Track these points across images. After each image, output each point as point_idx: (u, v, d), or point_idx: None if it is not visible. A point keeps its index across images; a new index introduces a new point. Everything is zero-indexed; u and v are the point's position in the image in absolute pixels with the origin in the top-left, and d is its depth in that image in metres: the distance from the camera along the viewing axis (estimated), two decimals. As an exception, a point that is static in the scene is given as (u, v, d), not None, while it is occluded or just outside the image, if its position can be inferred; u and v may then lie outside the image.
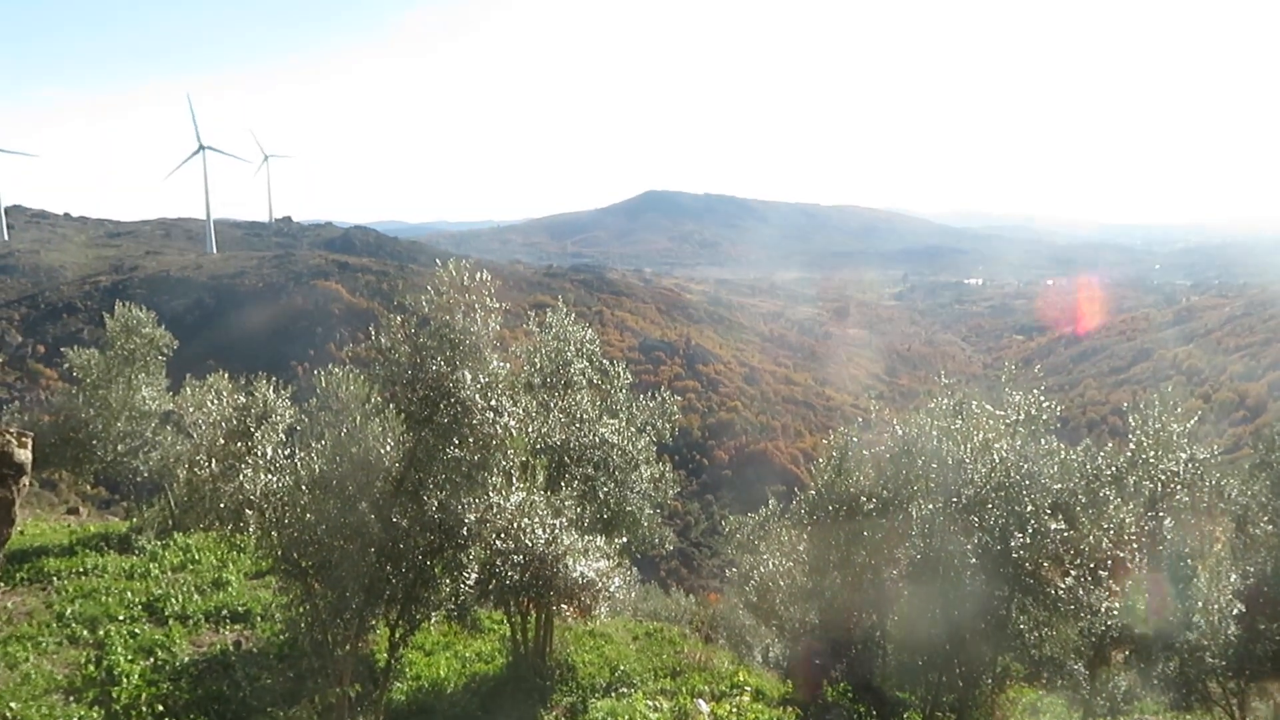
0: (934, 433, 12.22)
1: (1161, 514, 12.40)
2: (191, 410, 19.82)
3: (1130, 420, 13.35)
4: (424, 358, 10.24)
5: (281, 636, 13.20)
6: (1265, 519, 15.78)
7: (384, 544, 9.78)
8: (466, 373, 10.25)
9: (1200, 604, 12.39)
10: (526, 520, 11.88)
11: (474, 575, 10.84)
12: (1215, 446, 13.92)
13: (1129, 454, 13.00)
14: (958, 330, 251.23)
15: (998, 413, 12.43)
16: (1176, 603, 12.10)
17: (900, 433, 12.47)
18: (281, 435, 17.77)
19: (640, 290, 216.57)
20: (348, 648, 10.07)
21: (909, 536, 12.26)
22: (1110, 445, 13.58)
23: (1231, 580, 13.35)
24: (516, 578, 12.46)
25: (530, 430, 14.04)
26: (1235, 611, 12.82)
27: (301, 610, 10.14)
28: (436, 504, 10.12)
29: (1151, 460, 12.72)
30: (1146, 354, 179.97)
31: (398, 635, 10.44)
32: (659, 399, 18.22)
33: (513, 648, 16.32)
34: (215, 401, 19.41)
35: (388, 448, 9.84)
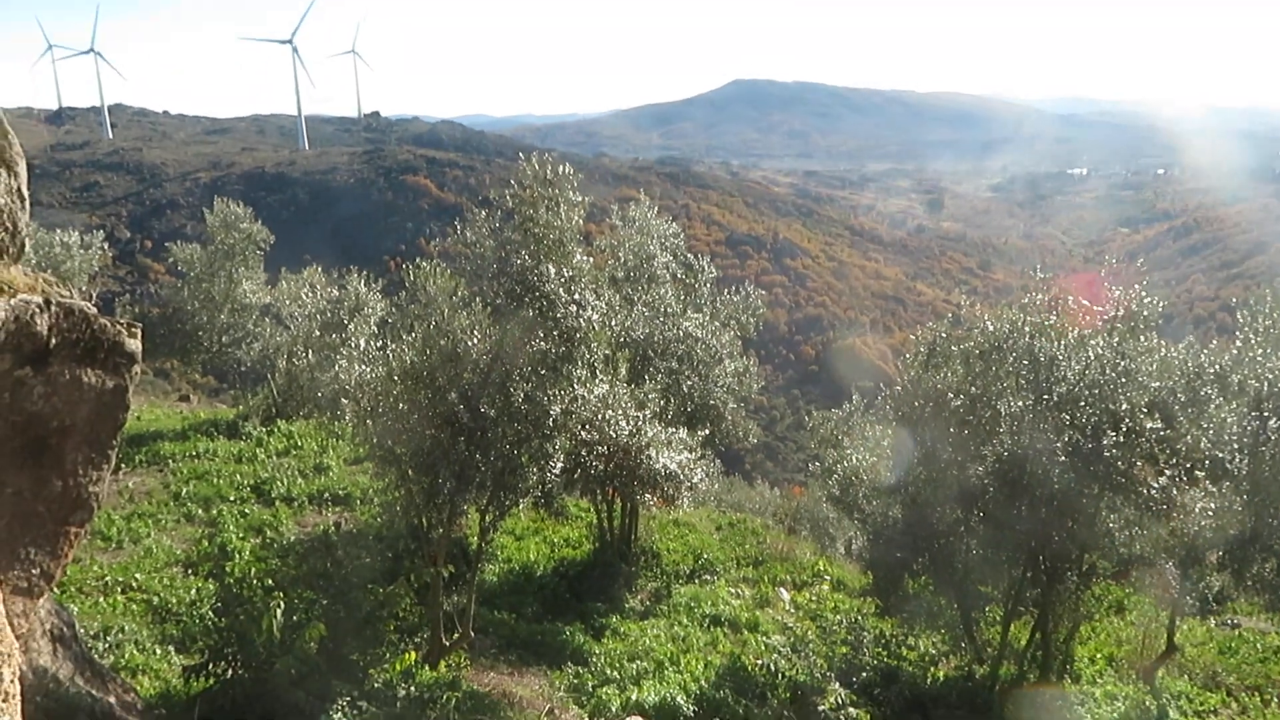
0: (1026, 329, 11.89)
1: (1266, 414, 11.93)
2: (288, 303, 20.51)
3: (1239, 317, 12.74)
4: (508, 252, 10.34)
5: (379, 519, 13.87)
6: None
7: (473, 433, 10.06)
8: (550, 266, 10.32)
9: (1302, 506, 11.99)
10: (610, 412, 12.06)
11: (560, 464, 11.11)
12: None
13: (1235, 351, 12.46)
14: (1058, 223, 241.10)
15: (1096, 308, 12.00)
16: (1275, 503, 11.73)
17: (991, 328, 12.15)
18: (374, 327, 18.31)
19: (726, 183, 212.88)
20: (441, 531, 10.50)
21: (996, 433, 12.06)
22: (1215, 343, 13.03)
23: (1338, 482, 12.85)
24: (601, 468, 12.74)
25: (614, 324, 14.12)
26: (1340, 515, 12.38)
27: (397, 495, 10.58)
28: (523, 395, 10.33)
29: (1259, 358, 12.17)
30: (1263, 247, 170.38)
31: (488, 520, 10.83)
32: (744, 293, 18.11)
33: (599, 534, 16.82)
34: (310, 295, 20.03)
35: (475, 340, 10.03)
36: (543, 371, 10.46)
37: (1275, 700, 13.26)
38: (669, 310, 16.18)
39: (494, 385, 10.18)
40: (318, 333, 19.81)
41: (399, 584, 9.88)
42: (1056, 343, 11.66)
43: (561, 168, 10.64)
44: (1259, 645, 15.31)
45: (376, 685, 9.06)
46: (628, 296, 15.85)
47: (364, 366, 10.20)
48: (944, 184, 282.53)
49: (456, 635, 10.89)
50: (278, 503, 15.70)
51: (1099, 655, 14.41)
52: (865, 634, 13.13)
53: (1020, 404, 11.80)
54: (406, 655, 9.95)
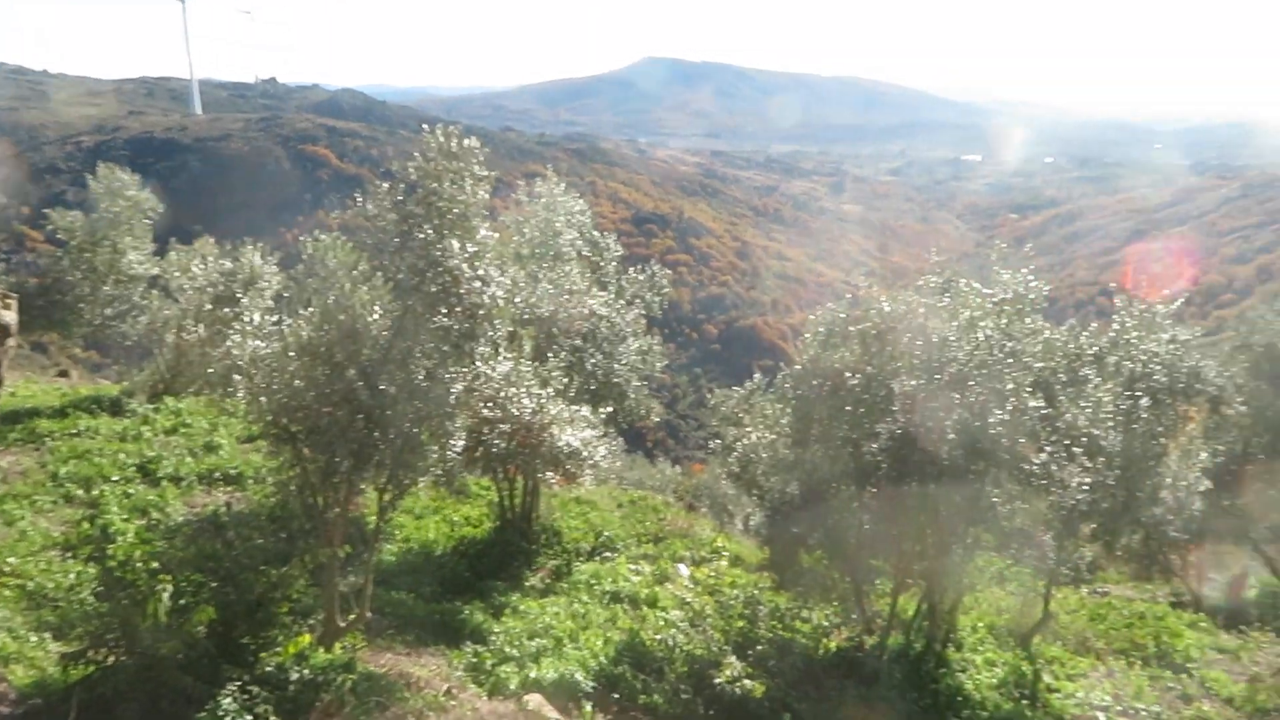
0: (920, 310, 12.26)
1: (1139, 393, 12.61)
2: (177, 275, 19.71)
3: (1116, 300, 13.42)
4: (411, 226, 10.13)
5: (273, 499, 13.49)
6: (1240, 400, 16.10)
7: (372, 411, 9.89)
8: (454, 241, 10.16)
9: (1169, 480, 12.74)
10: (513, 389, 12.02)
11: (461, 442, 11.01)
12: (1198, 329, 14.08)
13: (1112, 334, 13.13)
14: (953, 208, 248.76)
15: (985, 291, 12.45)
16: (1146, 479, 12.43)
17: (887, 309, 12.49)
18: (269, 301, 17.74)
19: (634, 161, 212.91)
20: (338, 510, 10.31)
21: (890, 412, 12.45)
22: (1095, 325, 13.70)
23: (1201, 458, 13.70)
24: (503, 445, 12.69)
25: (518, 301, 14.02)
26: (1202, 488, 13.20)
27: (292, 474, 10.33)
28: (424, 372, 10.18)
29: (1134, 341, 12.85)
30: (1140, 234, 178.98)
31: (387, 499, 10.67)
32: (650, 272, 18.20)
33: (500, 513, 16.76)
34: (202, 266, 19.28)
35: (375, 316, 9.84)
36: (445, 348, 10.33)
37: (1139, 663, 14.09)
38: (574, 288, 16.15)
39: (395, 362, 10.02)
40: (209, 306, 19.10)
41: (293, 565, 9.65)
42: (948, 324, 12.07)
43: (467, 141, 10.47)
44: (1125, 611, 16.23)
45: (268, 669, 8.87)
46: (533, 273, 15.75)
47: (258, 342, 9.90)
48: (846, 167, 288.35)
49: (353, 616, 10.73)
50: (164, 483, 15.14)
51: (980, 624, 15.06)
52: (761, 608, 13.44)
53: (913, 383, 12.19)
54: (300, 638, 9.76)
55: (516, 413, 12.24)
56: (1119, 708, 12.67)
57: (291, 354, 9.74)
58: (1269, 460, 18.34)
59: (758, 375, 15.58)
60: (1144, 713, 12.56)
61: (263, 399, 9.79)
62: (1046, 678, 13.30)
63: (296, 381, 9.72)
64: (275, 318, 10.29)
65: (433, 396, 10.24)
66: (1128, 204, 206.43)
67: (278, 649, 9.32)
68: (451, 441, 10.64)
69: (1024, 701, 12.55)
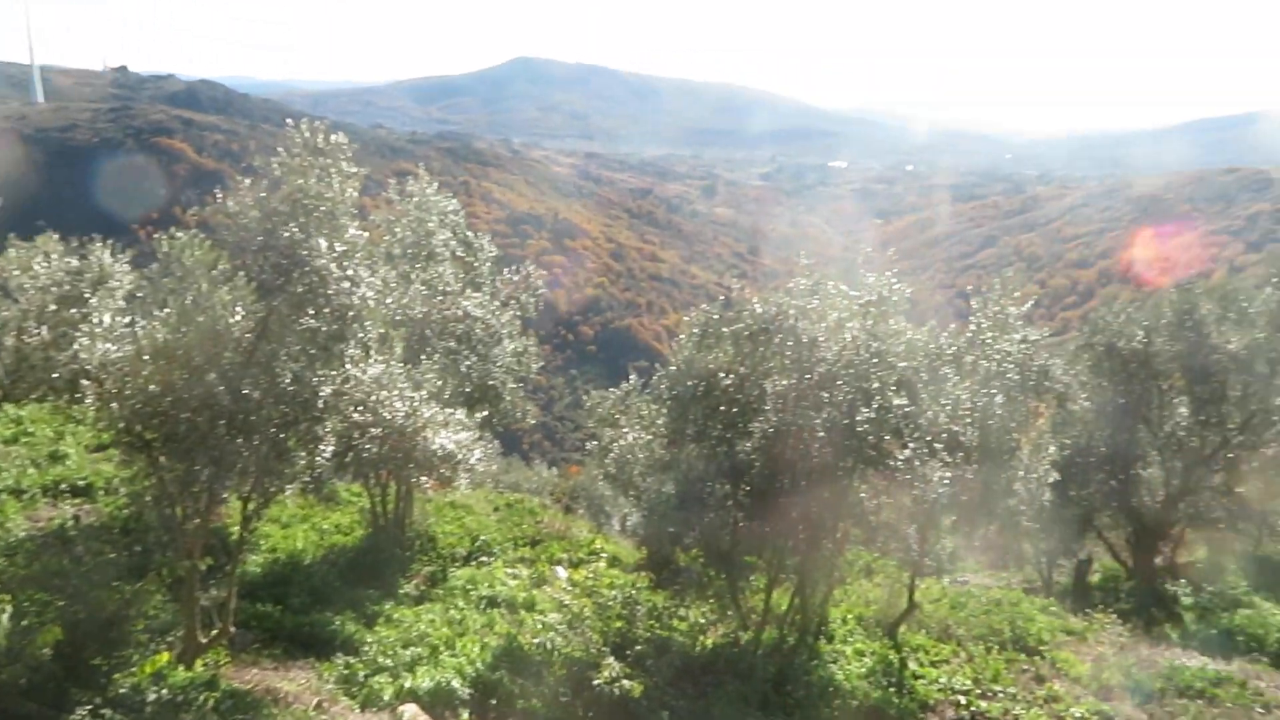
0: (791, 312, 12.56)
1: (994, 391, 13.24)
2: (17, 273, 18.43)
3: (973, 303, 14.07)
4: (275, 224, 9.75)
5: (126, 511, 12.80)
6: (1084, 396, 17.13)
7: (235, 416, 9.48)
8: (322, 240, 9.84)
9: (1021, 473, 13.44)
10: (385, 393, 11.71)
11: (331, 448, 10.68)
12: (1046, 329, 14.90)
13: (969, 335, 13.74)
14: (821, 213, 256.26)
15: (852, 293, 12.85)
16: (1000, 472, 13.07)
17: (759, 311, 12.75)
18: (120, 302, 16.74)
19: (508, 161, 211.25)
20: (197, 521, 9.84)
21: (763, 411, 12.71)
22: (953, 326, 14.33)
23: (1050, 452, 14.50)
24: (375, 450, 12.34)
25: (390, 301, 13.70)
26: (1051, 480, 13.98)
27: (147, 484, 9.80)
28: (290, 376, 9.83)
29: (989, 341, 13.49)
30: (992, 240, 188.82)
31: (251, 509, 10.25)
32: (525, 273, 18.07)
33: (372, 520, 16.33)
34: (45, 265, 18.08)
35: (237, 317, 9.43)
36: (313, 351, 9.99)
37: (996, 647, 14.80)
38: (448, 289, 15.90)
39: (259, 365, 9.63)
40: (53, 307, 17.92)
41: (149, 580, 9.17)
42: (818, 325, 12.41)
43: (335, 136, 10.15)
44: (984, 599, 17.03)
45: (122, 691, 8.38)
46: (405, 274, 15.43)
47: (109, 345, 9.35)
48: (718, 171, 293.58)
49: (215, 632, 10.26)
50: (4, 496, 14.13)
51: (850, 616, 15.54)
52: (639, 607, 13.51)
53: (785, 383, 12.49)
54: (158, 656, 9.26)
55: (389, 416, 11.93)
56: (978, 690, 13.27)
57: (146, 357, 9.24)
58: (1110, 453, 19.59)
59: (634, 376, 15.66)
60: (1001, 694, 13.20)
61: (114, 405, 9.26)
62: (912, 665, 13.82)
63: (151, 386, 9.23)
64: (128, 319, 9.73)
65: (300, 401, 9.89)
66: (982, 211, 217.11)
67: (133, 669, 8.82)
68: (320, 447, 10.31)
69: (891, 689, 13.01)
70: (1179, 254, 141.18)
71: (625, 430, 14.70)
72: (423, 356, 15.07)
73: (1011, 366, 13.38)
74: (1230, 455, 18.82)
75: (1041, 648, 14.90)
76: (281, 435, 9.94)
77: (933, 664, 14.10)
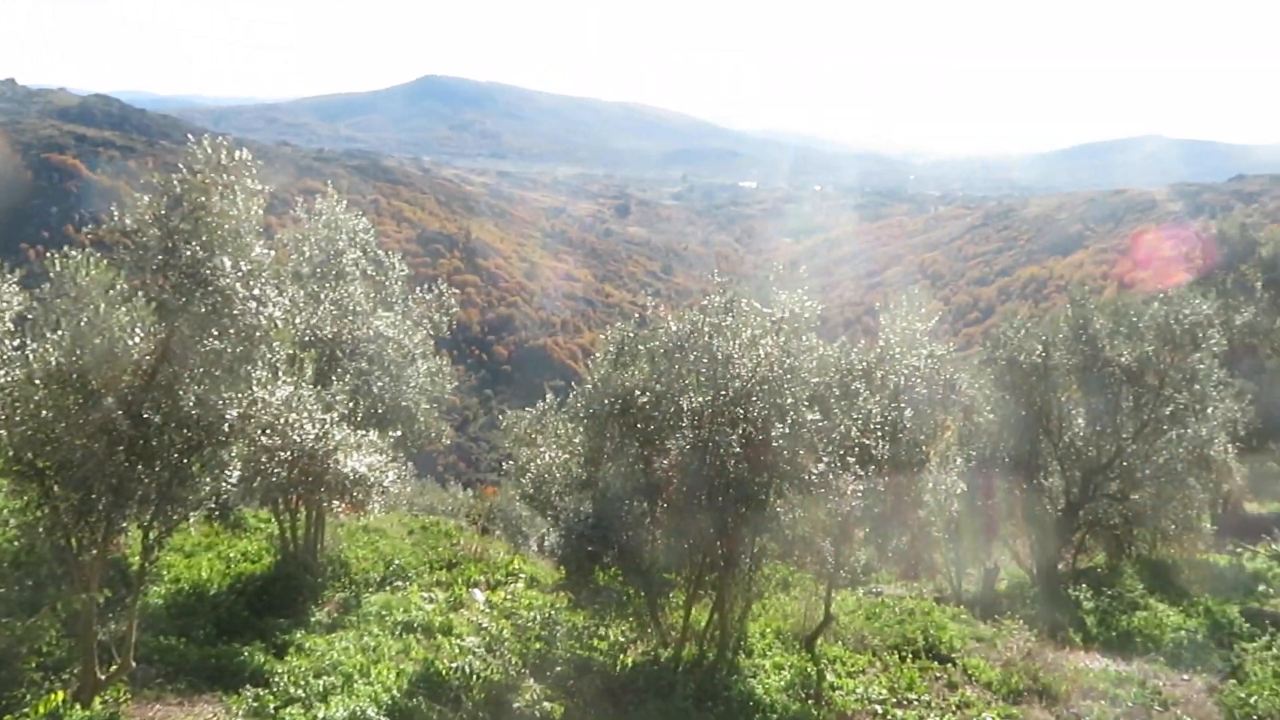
0: (705, 329, 12.68)
1: (903, 405, 13.56)
2: (-105, 295, 17.47)
3: (881, 319, 14.41)
4: (176, 242, 9.44)
5: (17, 543, 12.17)
6: (988, 409, 17.66)
7: (134, 442, 9.12)
8: (226, 259, 9.56)
9: (930, 484, 13.77)
10: (294, 415, 11.41)
11: (237, 473, 10.35)
12: (951, 344, 15.33)
13: (878, 350, 14.07)
14: (732, 231, 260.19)
15: (765, 310, 13.04)
16: (911, 484, 13.38)
17: (674, 328, 12.84)
18: (9, 325, 16.01)
19: (418, 180, 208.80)
20: (94, 552, 9.41)
21: (680, 428, 12.78)
22: (863, 342, 14.66)
23: (958, 463, 14.92)
24: (284, 475, 12.02)
25: (298, 322, 13.40)
26: (959, 490, 14.37)
27: (39, 514, 9.34)
28: (194, 399, 9.51)
29: (897, 356, 13.82)
30: (898, 258, 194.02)
31: (152, 538, 9.85)
32: (437, 292, 17.87)
33: (281, 546, 15.87)
34: (-75, 286, 17.17)
35: (136, 339, 9.09)
36: (217, 373, 9.69)
37: (910, 656, 15.09)
38: (358, 308, 15.61)
39: (160, 388, 9.30)
40: (-65, 330, 17.03)
41: (42, 615, 8.74)
42: (732, 342, 12.54)
43: (239, 153, 9.89)
44: (897, 609, 17.36)
45: (14, 732, 7.96)
46: (313, 294, 15.09)
47: (-3, 369, 8.91)
48: (630, 190, 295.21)
49: (114, 667, 9.80)
50: (-119, 530, 13.30)
51: (768, 630, 15.67)
52: (558, 628, 13.40)
53: (700, 399, 12.58)
54: (53, 695, 8.82)
55: (298, 440, 11.63)
56: (894, 699, 13.50)
57: (37, 382, 8.84)
58: (1013, 463, 20.23)
59: (550, 395, 15.60)
60: (916, 702, 13.45)
61: (3, 432, 8.82)
62: (830, 676, 13.99)
63: (44, 412, 8.83)
64: (17, 342, 9.29)
65: (204, 424, 9.58)
66: (887, 230, 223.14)
67: (25, 710, 8.37)
68: (226, 472, 10.00)
69: (810, 701, 13.14)
70: (1072, 272, 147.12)
71: (542, 450, 14.60)
72: (333, 378, 14.76)
73: (919, 381, 13.73)
74: (1125, 463, 19.61)
75: (953, 655, 15.25)
76: (184, 460, 9.60)
77: (849, 675, 14.30)
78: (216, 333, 9.55)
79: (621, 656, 13.55)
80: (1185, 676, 14.99)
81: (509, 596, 16.58)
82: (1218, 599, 18.75)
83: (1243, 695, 13.30)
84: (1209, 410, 19.52)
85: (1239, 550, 23.63)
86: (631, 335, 13.24)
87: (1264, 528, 26.75)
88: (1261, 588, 20.34)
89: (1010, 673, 14.44)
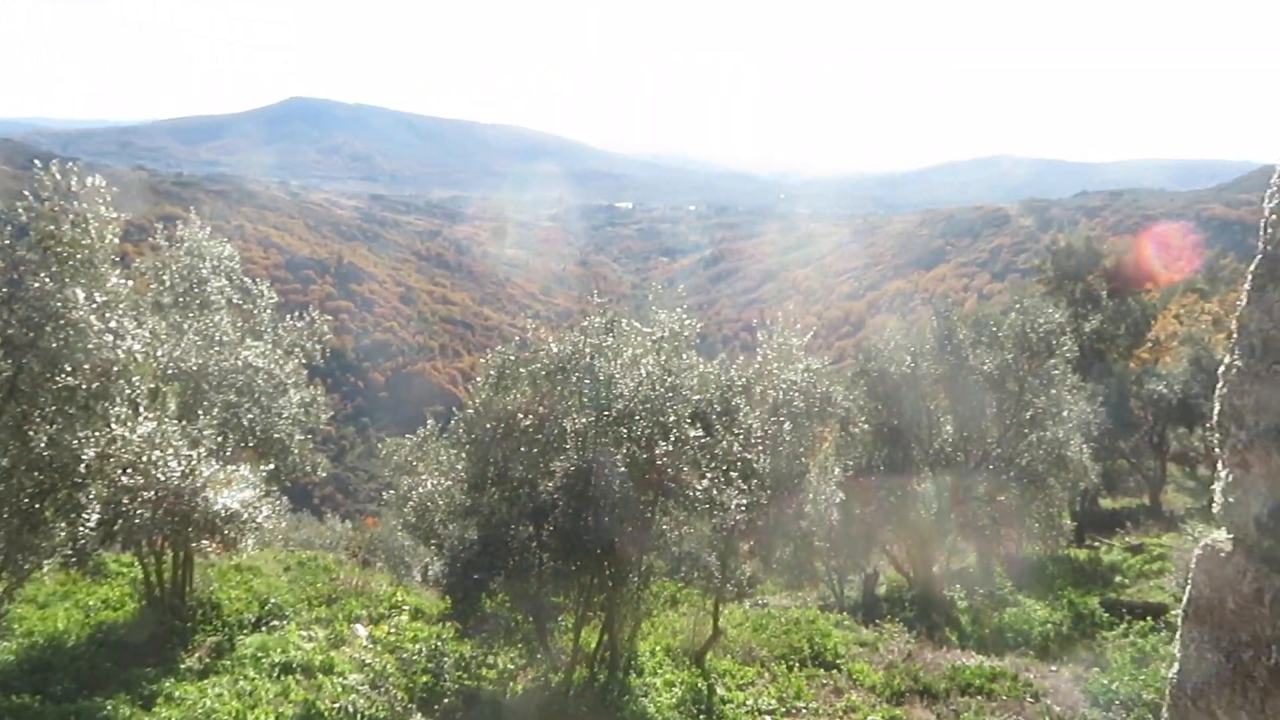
0: (587, 350, 12.70)
1: (782, 418, 13.87)
2: None
3: (758, 335, 14.72)
4: (23, 273, 8.90)
5: None
6: (862, 419, 18.24)
7: (-21, 488, 8.52)
8: (79, 290, 9.06)
9: (811, 495, 14.11)
10: (158, 452, 10.86)
11: (96, 516, 9.78)
12: (826, 358, 15.79)
13: (756, 366, 14.36)
14: (610, 252, 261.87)
15: (645, 330, 13.15)
16: (793, 496, 13.68)
17: (555, 350, 12.81)
18: None
19: (287, 204, 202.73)
20: (-64, 608, 8.74)
21: (564, 449, 12.73)
22: (742, 359, 14.94)
23: (835, 473, 15.32)
24: (148, 515, 11.40)
25: (160, 354, 12.77)
26: (838, 500, 14.76)
27: None
28: (46, 439, 8.96)
29: (775, 371, 14.14)
30: (772, 275, 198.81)
31: (1, 589, 9.20)
32: (308, 319, 17.32)
33: (146, 591, 15.05)
34: None
35: (-21, 377, 8.51)
36: (71, 411, 9.15)
37: (797, 665, 15.38)
38: (225, 338, 14.99)
39: (7, 429, 8.72)
40: None
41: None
42: (614, 362, 12.59)
43: (91, 179, 9.41)
44: (783, 619, 17.69)
45: None
46: (176, 324, 14.43)
47: None
48: (507, 212, 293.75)
49: (-39, 731, 9.11)
50: None
51: (658, 647, 15.71)
52: (446, 659, 13.11)
53: (584, 420, 12.57)
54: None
55: (163, 478, 11.06)
56: (783, 709, 13.71)
57: None
58: (888, 471, 20.92)
59: (430, 421, 15.31)
60: (804, 710, 13.70)
61: None
62: (720, 690, 14.11)
63: (-126, 460, 8.16)
64: None
65: (58, 466, 9.03)
66: (761, 248, 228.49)
67: None
68: (83, 516, 9.42)
69: (701, 716, 13.23)
70: (935, 285, 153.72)
71: (424, 477, 14.31)
72: (200, 411, 14.10)
73: (797, 395, 14.07)
74: (991, 466, 20.53)
75: (838, 661, 15.61)
76: (36, 505, 9.03)
77: (739, 687, 14.46)
78: (69, 368, 9.02)
79: (511, 684, 13.36)
80: (1053, 668, 15.74)
81: (393, 630, 16.13)
82: (1079, 592, 19.80)
83: (1105, 682, 14.03)
84: (1065, 413, 20.66)
85: (1096, 544, 25.05)
86: (513, 358, 13.13)
87: (1118, 522, 28.47)
88: (1118, 579, 21.60)
89: (892, 675, 14.87)
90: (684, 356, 13.12)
